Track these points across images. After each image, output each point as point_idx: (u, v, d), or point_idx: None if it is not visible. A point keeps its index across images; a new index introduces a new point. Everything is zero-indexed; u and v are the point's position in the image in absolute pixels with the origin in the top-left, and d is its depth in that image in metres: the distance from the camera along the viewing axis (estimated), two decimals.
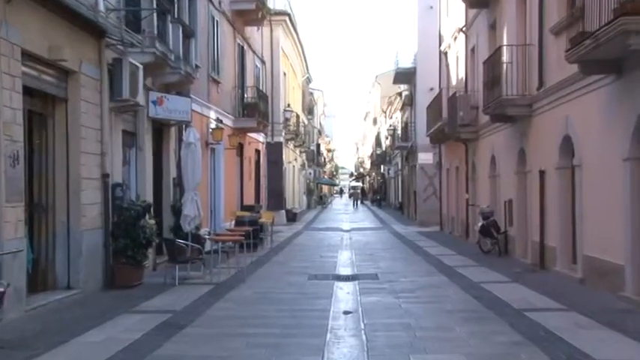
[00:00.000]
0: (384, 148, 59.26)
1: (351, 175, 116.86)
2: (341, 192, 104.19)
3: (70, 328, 8.16)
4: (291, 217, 33.91)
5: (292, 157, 39.07)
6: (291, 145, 37.29)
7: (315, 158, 58.82)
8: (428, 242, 21.55)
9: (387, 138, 54.08)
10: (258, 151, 28.66)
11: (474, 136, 20.70)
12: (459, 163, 23.85)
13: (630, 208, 9.85)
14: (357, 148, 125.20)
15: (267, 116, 26.42)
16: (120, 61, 11.54)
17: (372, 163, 78.68)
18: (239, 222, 18.76)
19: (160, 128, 14.98)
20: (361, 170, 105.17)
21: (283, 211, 32.31)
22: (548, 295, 10.55)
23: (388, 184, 61.75)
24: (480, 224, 17.51)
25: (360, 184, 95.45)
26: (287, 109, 33.12)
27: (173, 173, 15.48)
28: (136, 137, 13.39)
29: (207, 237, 15.26)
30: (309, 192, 56.24)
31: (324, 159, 79.75)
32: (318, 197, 64.56)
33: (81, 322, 8.56)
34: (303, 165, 48.14)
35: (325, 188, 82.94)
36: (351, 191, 75.82)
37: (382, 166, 60.84)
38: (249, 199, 25.76)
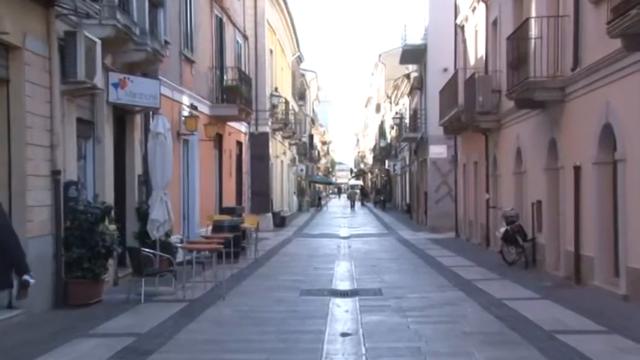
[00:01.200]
0: (388, 140, 59.33)
1: (351, 171, 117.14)
2: (339, 191, 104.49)
3: (12, 356, 8.05)
4: (280, 222, 33.96)
5: (280, 151, 39.06)
6: (279, 136, 37.27)
7: (307, 152, 58.86)
8: (441, 251, 21.64)
9: (392, 128, 54.16)
10: (239, 144, 28.63)
11: (495, 125, 20.69)
12: (478, 157, 23.85)
13: None
14: (358, 140, 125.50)
15: (250, 102, 26.35)
16: (73, 35, 11.41)
17: (374, 158, 78.86)
18: (217, 227, 18.79)
19: (122, 116, 14.90)
20: (362, 166, 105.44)
21: (270, 215, 32.33)
22: (584, 314, 10.52)
23: (393, 183, 61.83)
24: (502, 230, 17.51)
25: (360, 182, 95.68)
26: (274, 93, 33.08)
27: (139, 169, 15.43)
28: (94, 127, 13.31)
29: (179, 245, 15.23)
30: (300, 192, 56.22)
31: (319, 153, 79.90)
32: (311, 198, 64.61)
33: (26, 348, 8.46)
34: (293, 160, 48.15)
35: (321, 188, 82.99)
36: (349, 191, 76.13)
37: (386, 162, 61.01)
38: (230, 201, 25.73)
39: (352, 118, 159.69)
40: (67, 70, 11.44)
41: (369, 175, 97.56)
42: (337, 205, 76.15)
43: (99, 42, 11.95)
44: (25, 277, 7.44)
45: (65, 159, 11.71)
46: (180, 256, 14.92)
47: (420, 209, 37.27)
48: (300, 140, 49.87)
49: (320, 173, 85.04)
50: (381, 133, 66.40)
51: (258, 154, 31.15)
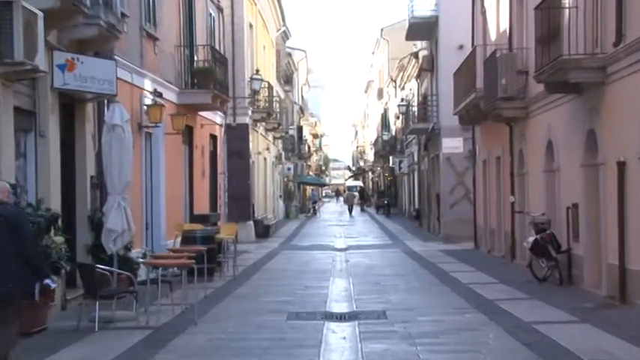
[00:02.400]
0: (393, 133, 59.40)
1: (348, 169, 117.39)
2: (337, 194, 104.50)
3: None
4: (263, 232, 34.07)
5: (263, 146, 39.09)
6: (261, 128, 37.29)
7: (295, 147, 58.90)
8: (457, 265, 21.78)
9: (397, 118, 54.24)
10: (214, 138, 28.62)
11: (522, 113, 20.71)
12: (501, 152, 23.87)
13: None
14: (356, 133, 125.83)
15: (226, 87, 26.32)
16: (8, 6, 11.34)
17: (376, 154, 79.04)
18: (187, 239, 18.81)
19: (70, 105, 14.89)
20: (361, 164, 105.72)
21: (251, 223, 32.41)
22: (632, 340, 10.52)
23: (399, 184, 61.94)
24: (531, 239, 17.53)
25: (359, 182, 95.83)
26: (255, 76, 33.04)
27: (91, 170, 15.44)
28: (36, 118, 13.29)
29: (141, 261, 15.24)
30: (287, 195, 56.20)
31: (309, 148, 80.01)
32: (301, 203, 64.65)
33: None
34: (278, 157, 48.18)
35: (315, 191, 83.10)
36: (345, 194, 76.37)
37: (391, 158, 61.04)
38: (202, 207, 25.77)
39: (349, 106, 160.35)
40: (1, 48, 11.33)
41: (370, 174, 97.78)
42: (332, 210, 76.36)
43: (40, 14, 11.90)
44: (47, 281, 7.83)
45: (0, 157, 11.65)
46: (142, 274, 14.92)
47: (432, 215, 37.34)
48: (286, 133, 49.89)
49: (311, 172, 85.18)
50: (384, 123, 66.54)
51: (236, 150, 31.14)
